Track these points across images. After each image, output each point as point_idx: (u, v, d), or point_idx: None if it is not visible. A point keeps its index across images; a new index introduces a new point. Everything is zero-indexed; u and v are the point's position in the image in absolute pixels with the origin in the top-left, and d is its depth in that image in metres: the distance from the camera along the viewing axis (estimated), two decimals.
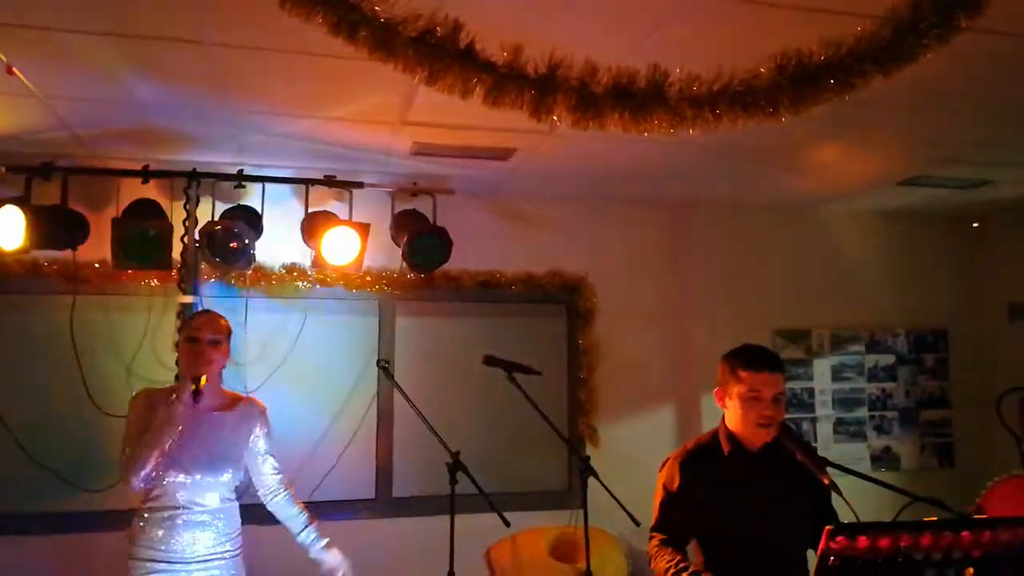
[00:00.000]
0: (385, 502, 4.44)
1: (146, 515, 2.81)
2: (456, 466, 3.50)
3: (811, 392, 5.09)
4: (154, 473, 2.76)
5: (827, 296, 5.17)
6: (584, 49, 1.84)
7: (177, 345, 3.07)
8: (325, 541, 3.02)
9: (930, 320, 5.39)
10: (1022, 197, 4.78)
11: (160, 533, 2.76)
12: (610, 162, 4.02)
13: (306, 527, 3.03)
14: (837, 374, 5.18)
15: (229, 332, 3.00)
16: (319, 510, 4.18)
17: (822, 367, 5.15)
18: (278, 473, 3.08)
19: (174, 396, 2.80)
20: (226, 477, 2.88)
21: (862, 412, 5.21)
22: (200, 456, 2.82)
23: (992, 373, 5.25)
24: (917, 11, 1.91)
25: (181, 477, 2.78)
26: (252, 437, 3.02)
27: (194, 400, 2.75)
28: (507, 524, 3.35)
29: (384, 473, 4.47)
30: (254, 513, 3.13)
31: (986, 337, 5.36)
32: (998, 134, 3.59)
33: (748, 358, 2.46)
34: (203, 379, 2.77)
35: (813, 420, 5.06)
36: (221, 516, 2.86)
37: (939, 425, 5.35)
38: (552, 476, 4.67)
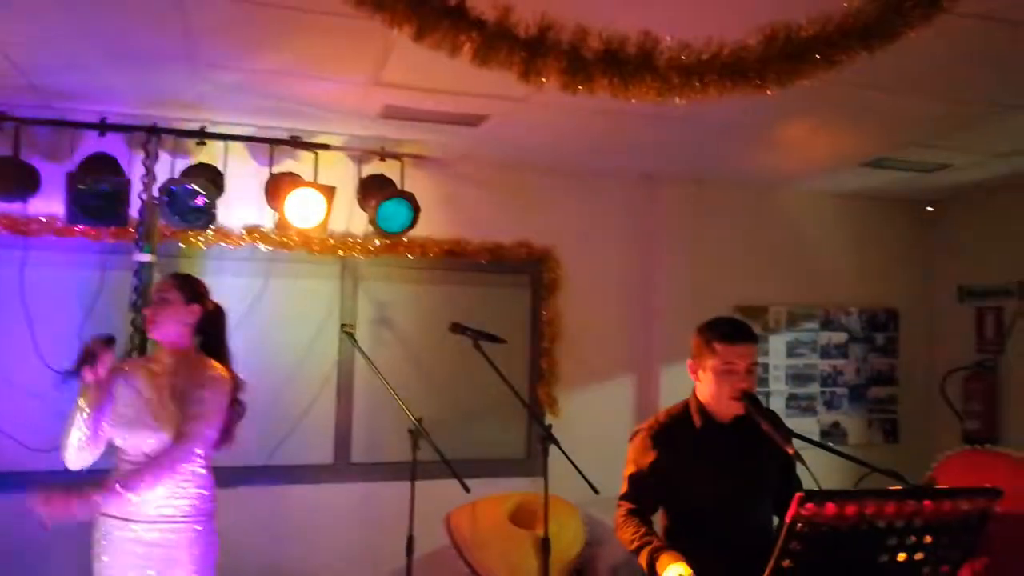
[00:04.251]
0: (344, 467, 4.41)
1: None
2: (418, 432, 3.52)
3: (766, 367, 5.19)
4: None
5: (786, 274, 5.27)
6: (575, 11, 1.81)
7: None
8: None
9: (883, 300, 5.54)
10: (976, 182, 4.91)
11: None
12: (581, 134, 4.00)
13: None
14: (792, 350, 5.30)
15: (178, 286, 2.76)
16: (276, 474, 4.23)
17: (777, 343, 5.26)
18: None
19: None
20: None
21: (814, 388, 5.35)
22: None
23: (939, 353, 5.43)
24: None
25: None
26: None
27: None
28: (467, 490, 3.39)
29: (343, 438, 4.43)
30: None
31: (935, 318, 5.53)
32: (962, 117, 3.66)
33: (723, 330, 2.46)
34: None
35: (767, 395, 5.17)
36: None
37: (886, 402, 5.53)
38: (512, 444, 4.70)
